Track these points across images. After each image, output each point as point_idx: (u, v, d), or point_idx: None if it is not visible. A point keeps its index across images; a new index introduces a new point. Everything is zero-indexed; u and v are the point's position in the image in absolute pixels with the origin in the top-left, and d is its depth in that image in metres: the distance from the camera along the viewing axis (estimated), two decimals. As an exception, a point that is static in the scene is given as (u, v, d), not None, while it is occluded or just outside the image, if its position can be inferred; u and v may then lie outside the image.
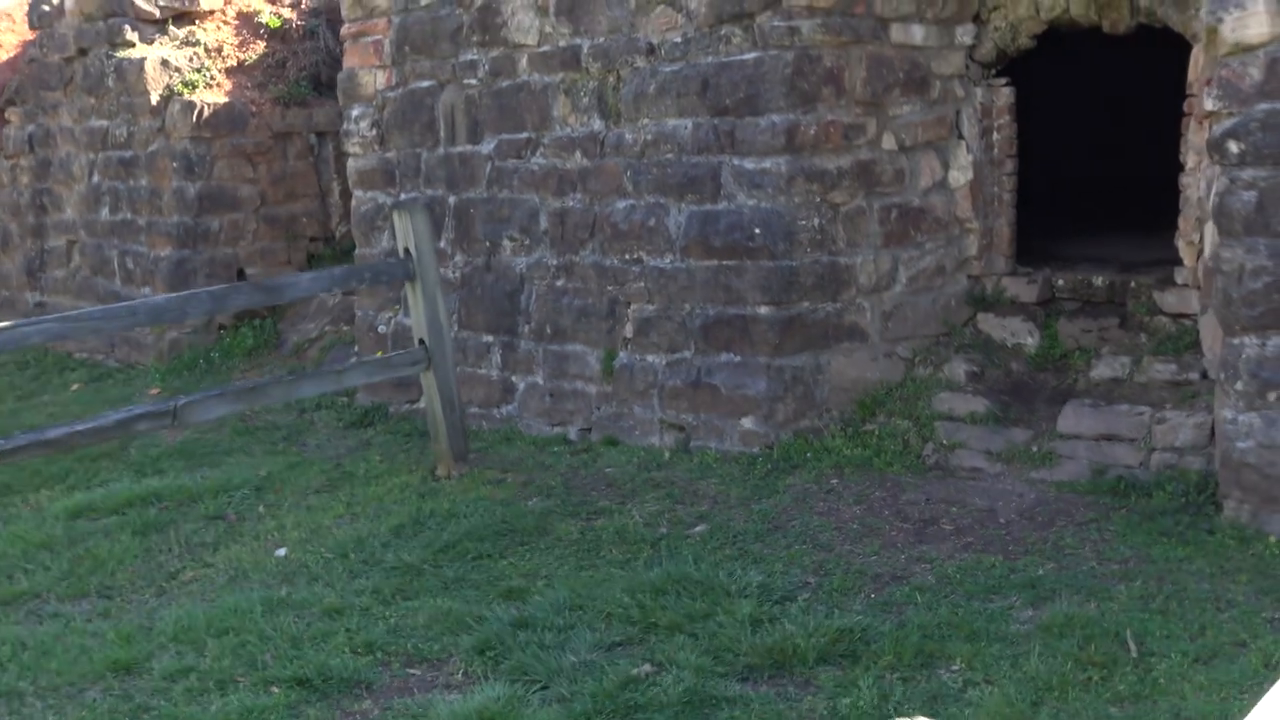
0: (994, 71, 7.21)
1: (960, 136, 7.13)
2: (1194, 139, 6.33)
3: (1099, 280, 7.08)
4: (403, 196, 8.67)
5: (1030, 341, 7.03)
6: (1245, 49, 5.12)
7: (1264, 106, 5.09)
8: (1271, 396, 5.18)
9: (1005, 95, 7.14)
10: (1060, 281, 7.20)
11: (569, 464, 7.13)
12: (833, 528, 5.77)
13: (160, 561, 6.02)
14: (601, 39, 7.36)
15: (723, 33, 6.79)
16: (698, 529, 5.88)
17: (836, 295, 6.87)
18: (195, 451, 7.99)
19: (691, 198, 6.99)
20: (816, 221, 6.75)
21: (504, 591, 5.27)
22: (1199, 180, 6.17)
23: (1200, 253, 6.34)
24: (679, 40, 6.97)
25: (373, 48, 8.73)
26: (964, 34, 7.03)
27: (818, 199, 6.74)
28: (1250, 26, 5.08)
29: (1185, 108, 6.45)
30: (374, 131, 8.82)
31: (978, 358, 7.02)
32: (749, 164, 6.76)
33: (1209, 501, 5.55)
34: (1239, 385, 5.25)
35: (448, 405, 6.93)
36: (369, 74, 8.80)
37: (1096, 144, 10.54)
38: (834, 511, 5.99)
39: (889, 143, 6.90)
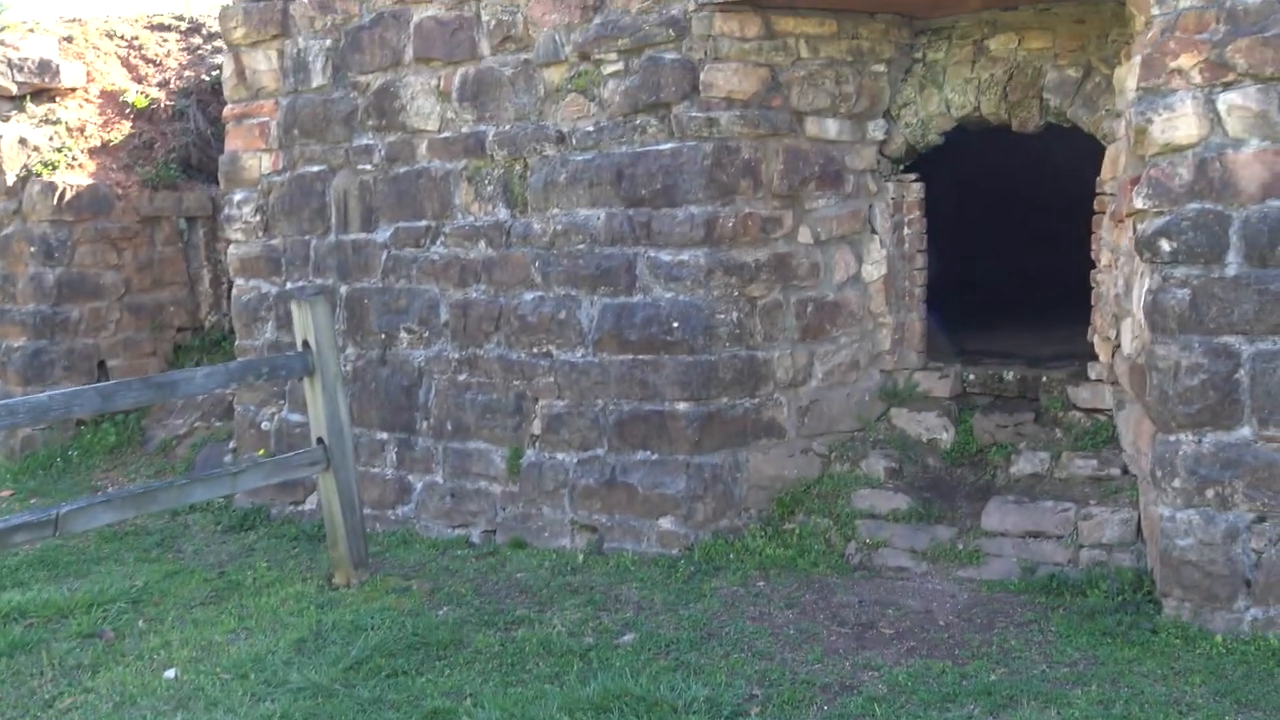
0: (903, 167, 7.23)
1: (873, 231, 7.10)
2: (1108, 236, 6.41)
3: (1010, 375, 7.09)
4: (289, 285, 8.26)
5: (945, 437, 6.97)
6: (1174, 149, 5.18)
7: (1194, 206, 5.14)
8: (1210, 493, 5.16)
9: (915, 190, 7.15)
10: (971, 376, 7.20)
11: (476, 569, 6.75)
12: (769, 634, 5.52)
13: (32, 687, 5.41)
14: (508, 126, 7.14)
15: (638, 122, 6.65)
16: (626, 638, 5.56)
17: (755, 390, 6.71)
18: (59, 560, 7.34)
19: (605, 290, 6.78)
20: (735, 315, 6.61)
21: (428, 713, 4.86)
22: (1115, 277, 6.22)
23: (1116, 348, 6.39)
24: (591, 129, 6.81)
25: (258, 130, 8.35)
26: (876, 129, 7.04)
27: (736, 292, 6.60)
28: (1180, 128, 5.14)
29: (1096, 206, 6.54)
30: (258, 217, 8.41)
31: (895, 453, 6.92)
32: (666, 256, 6.60)
33: (1147, 600, 5.49)
34: (1176, 482, 5.22)
35: (348, 508, 6.50)
36: (254, 157, 8.40)
37: (982, 240, 10.74)
38: (766, 616, 5.75)
39: (805, 236, 6.82)
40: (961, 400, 7.18)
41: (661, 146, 6.58)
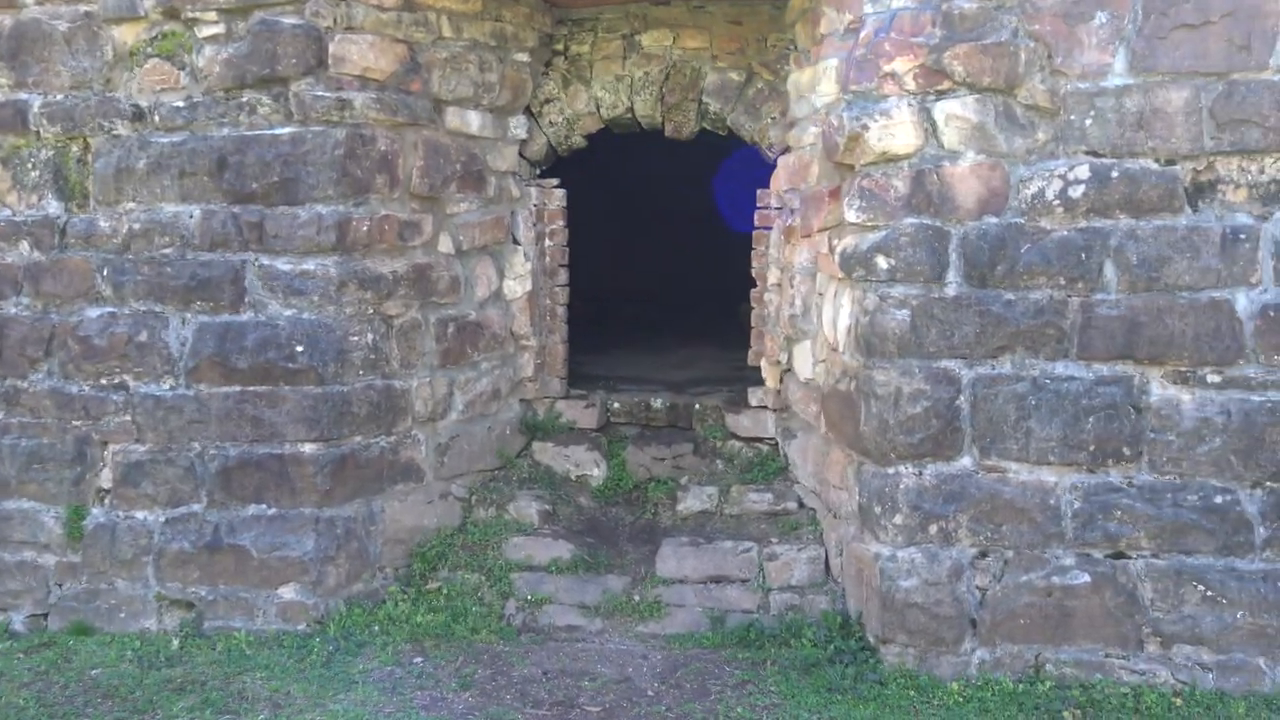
0: (541, 170, 6.46)
1: (516, 241, 6.27)
2: (776, 253, 6.00)
3: (659, 403, 6.53)
4: None
5: (596, 473, 6.27)
6: (890, 159, 4.79)
7: (912, 221, 4.78)
8: (933, 529, 4.81)
9: (558, 197, 6.41)
10: (617, 405, 6.56)
11: (31, 668, 5.14)
12: (453, 726, 4.53)
13: None
14: (61, 95, 5.59)
15: (245, 100, 5.39)
16: (271, 750, 4.35)
17: (392, 427, 5.65)
18: None
19: (202, 306, 5.44)
20: (370, 337, 5.51)
21: None
22: (791, 295, 5.80)
23: (786, 373, 5.99)
24: (181, 105, 5.45)
25: None
26: (518, 127, 6.22)
27: (371, 310, 5.51)
28: (897, 136, 4.76)
29: (759, 220, 6.12)
30: None
31: (545, 494, 6.12)
32: (285, 264, 5.38)
33: (860, 647, 5.05)
34: (898, 519, 4.83)
35: None
36: None
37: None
38: (442, 702, 4.73)
39: (446, 245, 5.86)
40: (609, 431, 6.52)
41: (279, 131, 5.36)
